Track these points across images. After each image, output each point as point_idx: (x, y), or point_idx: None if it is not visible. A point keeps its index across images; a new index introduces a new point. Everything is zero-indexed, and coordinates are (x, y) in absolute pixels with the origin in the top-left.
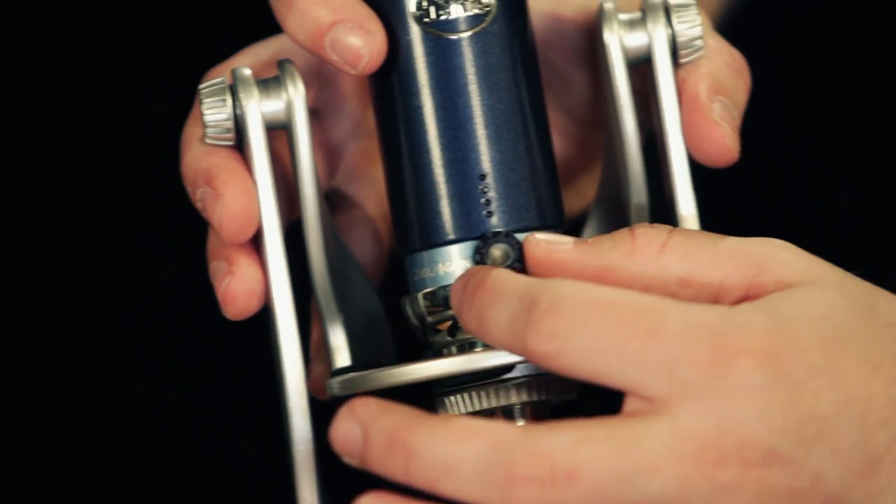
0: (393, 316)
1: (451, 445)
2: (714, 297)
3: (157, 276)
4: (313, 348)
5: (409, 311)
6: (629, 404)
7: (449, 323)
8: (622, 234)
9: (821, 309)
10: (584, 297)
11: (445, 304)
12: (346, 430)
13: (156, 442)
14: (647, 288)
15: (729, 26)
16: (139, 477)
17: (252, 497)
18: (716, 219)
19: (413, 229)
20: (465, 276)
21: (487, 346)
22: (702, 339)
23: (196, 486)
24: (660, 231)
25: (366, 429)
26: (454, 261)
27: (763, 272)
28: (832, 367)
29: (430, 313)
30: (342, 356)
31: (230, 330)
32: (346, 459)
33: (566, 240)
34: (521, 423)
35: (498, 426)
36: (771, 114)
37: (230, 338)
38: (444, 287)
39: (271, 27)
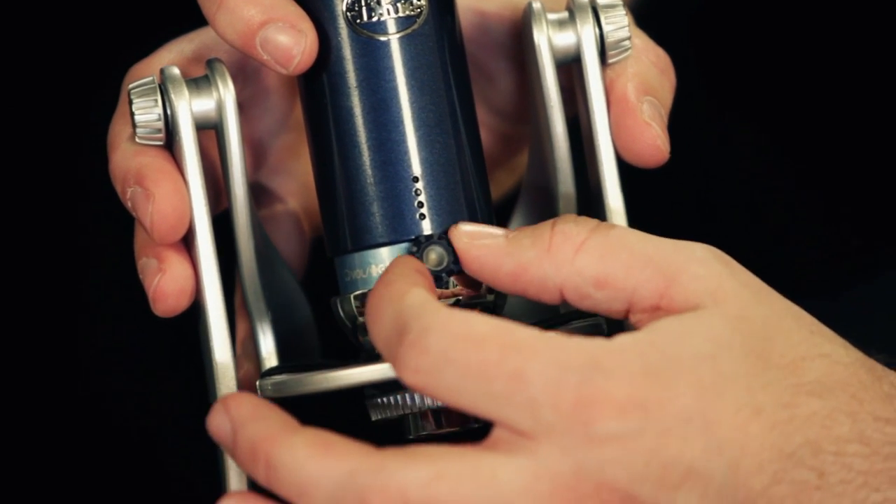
0: (317, 312)
1: (309, 467)
2: (627, 301)
3: (101, 263)
4: (239, 344)
5: (339, 311)
6: (495, 432)
7: None
8: (542, 229)
9: (705, 348)
10: (451, 333)
11: None
12: (219, 425)
13: (98, 434)
14: (560, 287)
15: (640, 11)
16: (84, 465)
17: (192, 489)
18: (629, 188)
19: (344, 230)
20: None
21: None
22: (566, 386)
23: (134, 474)
24: (580, 229)
25: (234, 430)
26: (387, 262)
27: (674, 285)
28: (705, 412)
29: (362, 314)
30: (271, 355)
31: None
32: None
33: (490, 233)
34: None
35: (358, 452)
36: (679, 89)
37: (173, 327)
38: None
39: (194, 21)
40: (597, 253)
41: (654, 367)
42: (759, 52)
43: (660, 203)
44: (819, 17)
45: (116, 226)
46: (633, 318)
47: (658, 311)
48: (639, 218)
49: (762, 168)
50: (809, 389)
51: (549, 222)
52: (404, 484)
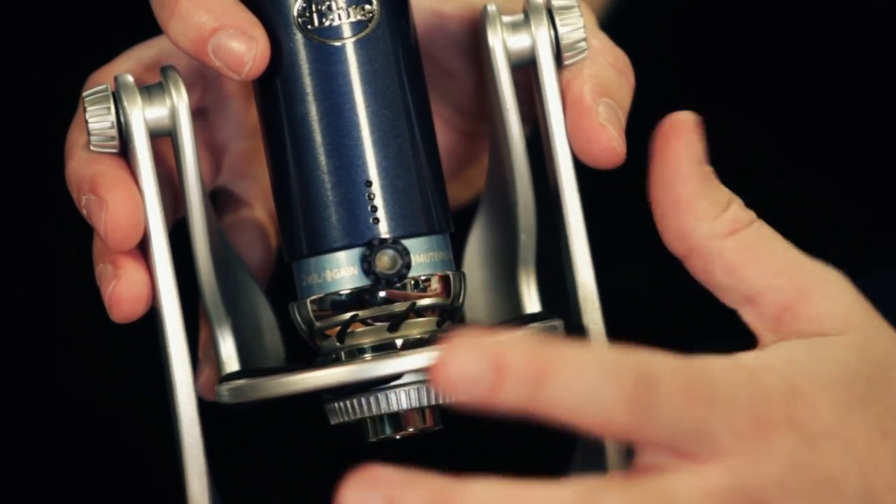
0: (283, 318)
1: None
2: (749, 298)
3: (76, 267)
4: (201, 349)
5: (297, 316)
6: (643, 458)
7: (337, 329)
8: (722, 194)
9: (835, 371)
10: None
11: (333, 309)
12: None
13: (88, 430)
14: (693, 247)
15: (615, 14)
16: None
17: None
18: (601, 190)
19: (300, 235)
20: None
21: (377, 353)
22: (740, 411)
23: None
24: (745, 216)
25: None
26: (342, 267)
27: (803, 301)
28: (843, 429)
29: (319, 318)
30: (231, 360)
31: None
32: None
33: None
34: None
35: (547, 489)
36: (657, 87)
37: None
38: (332, 293)
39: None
40: (743, 243)
41: (800, 386)
42: (740, 51)
43: (643, 203)
44: (803, 13)
45: (88, 230)
46: (745, 317)
47: (780, 324)
48: (617, 221)
49: (752, 165)
50: None
51: (728, 192)
52: None
